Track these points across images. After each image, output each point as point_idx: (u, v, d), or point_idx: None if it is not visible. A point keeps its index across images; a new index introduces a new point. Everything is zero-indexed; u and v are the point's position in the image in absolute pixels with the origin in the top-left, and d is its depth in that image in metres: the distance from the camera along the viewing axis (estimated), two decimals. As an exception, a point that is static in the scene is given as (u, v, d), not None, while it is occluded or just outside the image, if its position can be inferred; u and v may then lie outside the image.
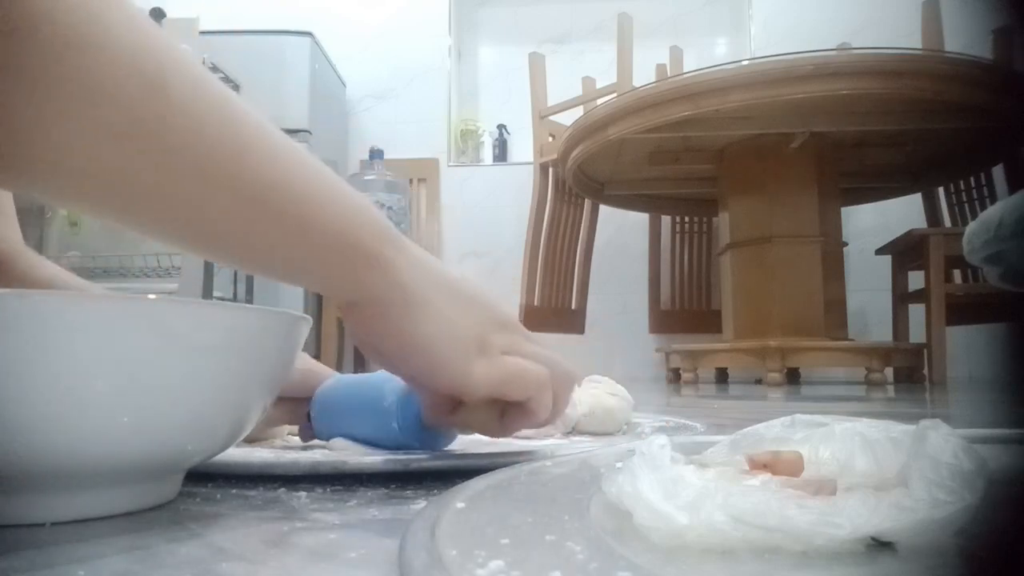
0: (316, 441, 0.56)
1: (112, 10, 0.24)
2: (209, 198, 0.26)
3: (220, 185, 0.26)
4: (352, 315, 0.33)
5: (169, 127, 0.25)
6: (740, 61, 2.41)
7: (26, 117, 0.23)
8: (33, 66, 0.22)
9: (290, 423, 0.50)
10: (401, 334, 0.32)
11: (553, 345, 0.39)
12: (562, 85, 2.83)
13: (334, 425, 0.46)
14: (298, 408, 0.48)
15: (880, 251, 2.70)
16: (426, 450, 0.42)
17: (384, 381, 0.43)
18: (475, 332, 0.34)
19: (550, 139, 2.83)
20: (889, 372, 2.21)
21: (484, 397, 0.35)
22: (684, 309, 3.10)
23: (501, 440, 0.51)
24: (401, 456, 0.39)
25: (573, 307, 2.95)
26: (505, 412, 0.37)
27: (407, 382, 0.38)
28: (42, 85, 0.22)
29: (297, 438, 0.55)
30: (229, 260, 0.31)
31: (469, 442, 0.49)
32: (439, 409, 0.38)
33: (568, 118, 2.62)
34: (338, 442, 0.44)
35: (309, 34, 3.00)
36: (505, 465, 0.32)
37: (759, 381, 2.26)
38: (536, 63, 2.85)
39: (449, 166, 3.45)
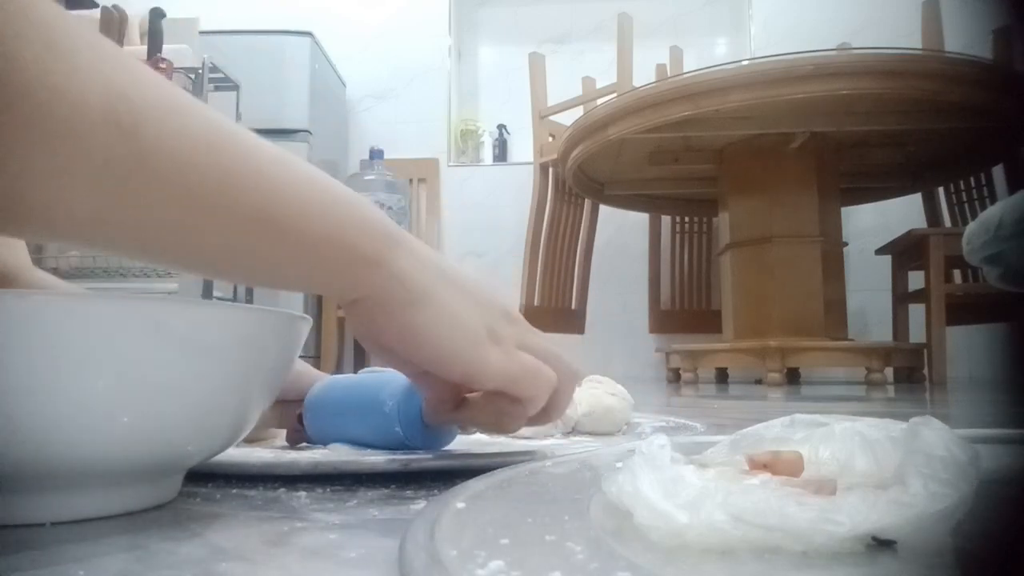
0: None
1: (74, 38, 0.23)
2: (197, 225, 0.27)
3: (208, 212, 0.26)
4: (354, 313, 0.33)
5: (145, 165, 0.24)
6: (740, 61, 2.41)
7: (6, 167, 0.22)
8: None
9: (279, 427, 0.50)
10: (406, 327, 0.33)
11: (553, 345, 0.39)
12: (562, 85, 2.83)
13: (329, 428, 0.45)
14: (287, 410, 0.47)
15: (880, 251, 2.70)
16: (427, 450, 0.42)
17: (381, 383, 0.43)
18: (483, 322, 0.34)
19: (550, 139, 2.83)
20: (889, 372, 2.21)
21: (493, 388, 0.35)
22: (684, 309, 3.10)
23: (501, 440, 0.51)
24: (401, 456, 0.39)
25: (573, 307, 2.95)
26: (507, 408, 0.37)
27: (413, 378, 0.38)
28: (8, 129, 0.22)
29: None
30: (226, 277, 0.31)
31: (469, 442, 0.49)
32: (443, 406, 0.38)
33: (568, 118, 2.62)
34: (337, 447, 0.44)
35: (309, 34, 3.00)
36: (505, 465, 0.32)
37: (759, 381, 2.26)
38: (536, 63, 2.85)
39: (449, 166, 3.45)
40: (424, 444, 0.42)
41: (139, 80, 0.25)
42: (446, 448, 0.44)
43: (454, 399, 0.38)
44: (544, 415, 0.38)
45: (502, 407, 0.36)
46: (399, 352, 0.34)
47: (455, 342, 0.33)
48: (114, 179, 0.24)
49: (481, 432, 0.41)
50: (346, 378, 0.47)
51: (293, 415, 0.47)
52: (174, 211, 0.26)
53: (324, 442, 0.45)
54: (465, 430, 0.44)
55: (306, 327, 0.34)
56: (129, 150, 0.24)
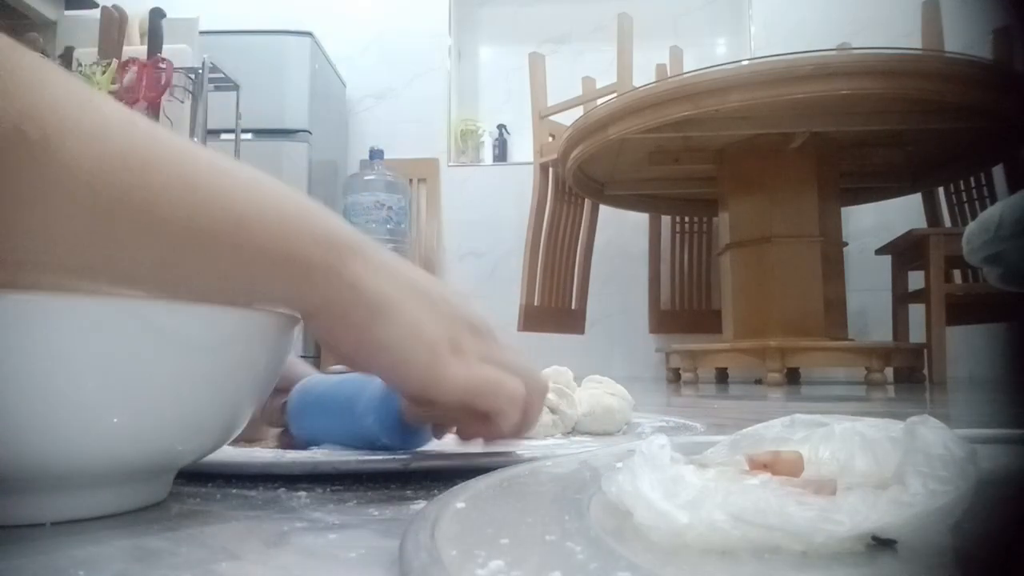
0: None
1: None
2: (124, 244, 0.26)
3: (133, 230, 0.25)
4: (312, 324, 0.32)
5: (60, 184, 0.23)
6: (740, 61, 2.41)
7: None
8: None
9: (271, 424, 0.49)
10: (363, 338, 0.32)
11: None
12: (562, 85, 2.83)
13: (313, 430, 0.45)
14: (272, 401, 0.46)
15: (880, 251, 2.70)
16: (406, 449, 0.42)
17: (363, 381, 0.43)
18: (445, 333, 0.33)
19: (550, 139, 2.83)
20: (889, 372, 2.21)
21: (453, 401, 0.34)
22: (684, 309, 3.10)
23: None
24: (401, 456, 0.39)
25: (573, 307, 2.95)
26: (473, 423, 0.36)
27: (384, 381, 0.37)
28: None
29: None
30: (169, 295, 0.28)
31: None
32: (415, 407, 0.38)
33: (568, 118, 2.62)
34: (330, 448, 0.44)
35: (309, 34, 3.00)
36: (505, 465, 0.32)
37: (759, 381, 2.26)
38: (536, 63, 2.85)
39: (449, 166, 3.45)
40: (402, 443, 0.42)
41: (54, 98, 0.24)
42: (445, 449, 0.44)
43: (425, 402, 0.36)
44: (515, 430, 0.37)
45: (466, 417, 0.35)
46: (359, 361, 0.33)
47: (411, 353, 0.32)
48: (30, 198, 0.23)
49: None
50: (327, 378, 0.47)
51: (277, 407, 0.47)
52: (92, 229, 0.25)
53: (308, 444, 0.45)
54: (438, 435, 0.43)
55: (297, 326, 0.34)
56: (41, 170, 0.23)
